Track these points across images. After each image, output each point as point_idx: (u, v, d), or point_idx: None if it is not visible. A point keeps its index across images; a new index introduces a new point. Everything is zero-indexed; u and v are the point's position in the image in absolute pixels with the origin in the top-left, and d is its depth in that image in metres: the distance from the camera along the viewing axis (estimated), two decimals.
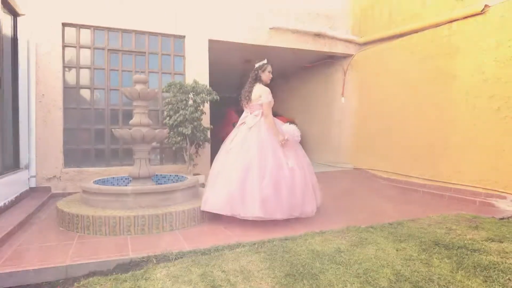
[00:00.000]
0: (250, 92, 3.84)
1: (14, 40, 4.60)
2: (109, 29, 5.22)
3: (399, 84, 6.00)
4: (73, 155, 5.07)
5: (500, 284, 2.06)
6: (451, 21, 5.06)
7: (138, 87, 3.88)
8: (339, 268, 2.30)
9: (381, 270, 2.26)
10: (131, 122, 3.94)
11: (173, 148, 5.19)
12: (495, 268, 2.26)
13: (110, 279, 2.22)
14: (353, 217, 3.89)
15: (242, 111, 3.98)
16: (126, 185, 4.07)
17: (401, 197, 5.12)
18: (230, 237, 3.14)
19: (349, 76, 7.30)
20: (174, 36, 5.63)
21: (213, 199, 3.45)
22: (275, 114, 7.68)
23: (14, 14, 4.58)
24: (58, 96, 4.87)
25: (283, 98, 10.37)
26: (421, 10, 5.64)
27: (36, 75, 4.74)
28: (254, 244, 2.90)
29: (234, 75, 9.33)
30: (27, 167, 4.63)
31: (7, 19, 4.48)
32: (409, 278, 2.15)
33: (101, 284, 2.15)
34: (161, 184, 4.29)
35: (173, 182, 4.37)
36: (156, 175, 4.56)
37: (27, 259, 2.55)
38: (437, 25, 5.27)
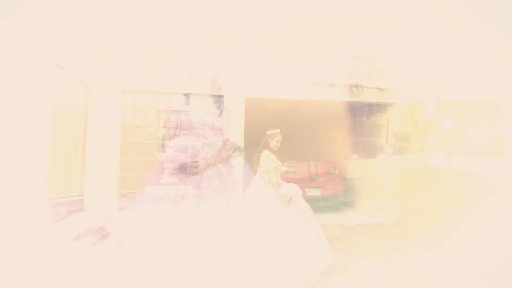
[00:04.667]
0: (258, 157, 4.17)
1: (86, 106, 5.80)
2: (159, 93, 6.16)
3: None
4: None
5: None
6: None
7: None
8: None
9: None
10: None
11: None
12: None
13: None
14: None
15: None
16: None
17: None
18: None
19: (392, 124, 7.08)
20: (214, 96, 6.33)
21: None
22: (319, 159, 7.87)
23: (86, 86, 5.80)
24: (116, 149, 5.89)
25: (331, 142, 10.30)
26: None
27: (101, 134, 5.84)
28: None
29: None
30: None
31: (81, 91, 5.71)
32: None
33: None
34: None
35: None
36: None
37: None
38: None
